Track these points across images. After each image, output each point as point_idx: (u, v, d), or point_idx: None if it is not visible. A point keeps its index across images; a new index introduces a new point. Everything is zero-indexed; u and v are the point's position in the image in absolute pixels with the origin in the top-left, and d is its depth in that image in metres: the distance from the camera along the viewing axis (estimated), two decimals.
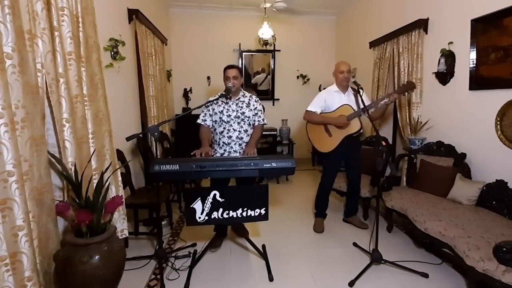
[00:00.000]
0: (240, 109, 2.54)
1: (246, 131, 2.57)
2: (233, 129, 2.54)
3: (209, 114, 2.57)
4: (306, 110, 2.90)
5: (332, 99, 2.84)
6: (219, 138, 2.57)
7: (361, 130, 2.80)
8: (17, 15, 1.48)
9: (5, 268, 1.38)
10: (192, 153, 2.30)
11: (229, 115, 2.52)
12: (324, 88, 3.21)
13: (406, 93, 3.19)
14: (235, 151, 2.55)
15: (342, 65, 2.82)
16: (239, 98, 2.57)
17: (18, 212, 1.43)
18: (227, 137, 2.54)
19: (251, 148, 2.45)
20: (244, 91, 2.64)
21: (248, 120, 2.56)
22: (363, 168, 3.07)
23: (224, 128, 2.54)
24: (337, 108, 2.81)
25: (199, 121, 2.60)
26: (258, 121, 2.60)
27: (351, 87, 2.88)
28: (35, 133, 1.61)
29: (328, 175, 3.01)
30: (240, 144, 2.56)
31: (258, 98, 2.67)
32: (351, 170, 3.02)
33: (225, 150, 2.56)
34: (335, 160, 2.93)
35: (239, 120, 2.53)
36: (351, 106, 2.76)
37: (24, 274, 1.46)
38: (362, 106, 2.62)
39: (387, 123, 4.15)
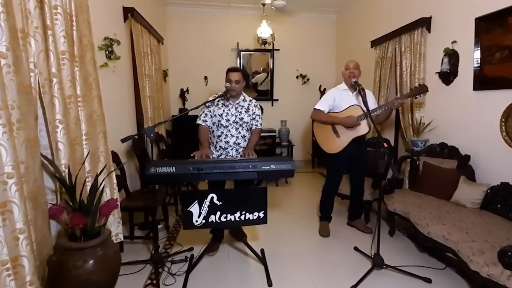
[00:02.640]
0: (239, 114, 2.50)
1: (243, 136, 2.55)
2: (231, 134, 2.50)
3: (210, 115, 2.52)
4: (314, 108, 2.83)
5: (341, 98, 2.79)
6: (216, 142, 2.55)
7: (369, 132, 2.75)
8: (11, 13, 1.45)
9: (7, 272, 1.35)
10: (192, 155, 2.25)
11: (228, 120, 2.48)
12: (325, 89, 3.16)
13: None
14: (231, 156, 2.52)
15: (348, 61, 2.83)
16: (239, 102, 2.53)
17: (18, 214, 1.40)
18: (225, 142, 2.51)
19: (249, 150, 2.42)
20: (245, 95, 2.60)
21: (246, 125, 2.54)
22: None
23: (222, 132, 2.50)
24: (347, 108, 2.76)
25: (199, 121, 2.53)
26: (256, 125, 2.57)
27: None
28: (30, 134, 1.58)
29: (334, 178, 2.95)
30: (237, 150, 2.54)
31: (257, 103, 2.62)
32: (355, 172, 2.97)
33: (221, 154, 2.54)
34: (341, 162, 2.86)
35: (237, 126, 2.50)
36: (360, 107, 2.72)
37: (26, 278, 1.44)
38: (367, 107, 2.57)
39: (389, 124, 4.10)
